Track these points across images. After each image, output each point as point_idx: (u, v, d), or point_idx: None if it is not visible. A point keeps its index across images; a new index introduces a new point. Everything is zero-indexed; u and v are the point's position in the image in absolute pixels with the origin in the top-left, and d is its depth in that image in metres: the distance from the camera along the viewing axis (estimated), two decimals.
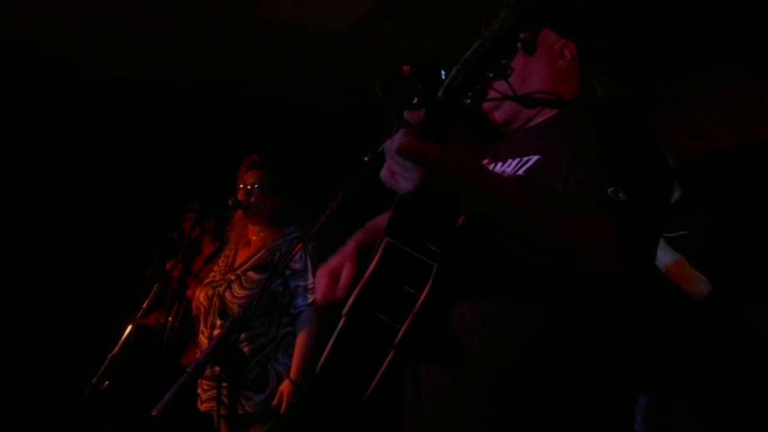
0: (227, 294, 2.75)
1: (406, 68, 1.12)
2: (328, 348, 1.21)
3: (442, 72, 1.00)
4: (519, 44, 0.95)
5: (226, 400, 2.58)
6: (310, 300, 2.72)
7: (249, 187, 2.92)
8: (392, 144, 0.94)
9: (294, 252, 2.06)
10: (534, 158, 1.29)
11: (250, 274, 2.77)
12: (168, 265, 3.23)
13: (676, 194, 2.72)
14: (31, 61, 4.00)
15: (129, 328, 2.79)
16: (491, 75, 0.95)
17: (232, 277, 2.79)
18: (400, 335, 1.13)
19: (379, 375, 1.16)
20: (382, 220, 1.48)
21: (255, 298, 2.32)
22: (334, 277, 1.36)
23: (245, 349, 2.63)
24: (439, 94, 0.97)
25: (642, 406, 2.55)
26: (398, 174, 0.95)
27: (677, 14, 3.53)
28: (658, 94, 4.33)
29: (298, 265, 2.74)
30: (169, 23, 3.65)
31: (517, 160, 1.33)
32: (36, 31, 3.71)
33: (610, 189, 1.10)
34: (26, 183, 4.22)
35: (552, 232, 1.02)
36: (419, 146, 0.92)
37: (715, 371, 2.54)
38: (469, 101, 0.97)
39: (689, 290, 2.52)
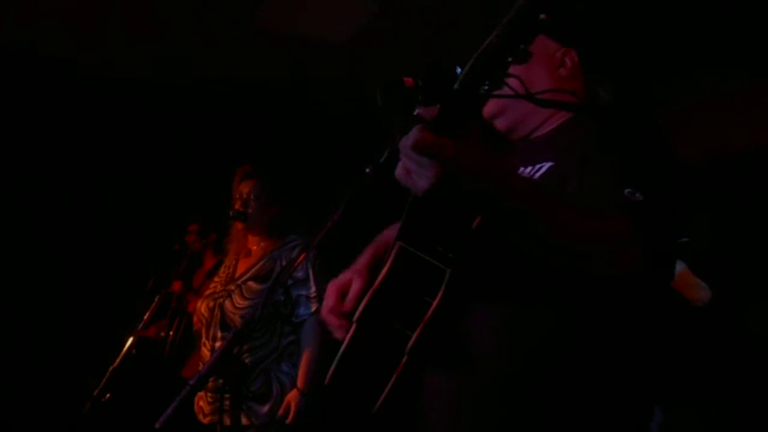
0: (227, 304, 2.73)
1: (407, 80, 1.12)
2: (337, 356, 1.19)
3: (458, 69, 0.98)
4: (537, 29, 0.93)
5: (228, 412, 2.57)
6: (313, 309, 2.70)
7: (245, 197, 2.90)
8: (407, 141, 0.92)
9: (297, 263, 2.04)
10: (547, 165, 1.28)
11: (251, 284, 2.76)
12: (175, 287, 3.20)
13: None
14: (31, 63, 4.00)
15: (130, 340, 2.78)
16: (510, 60, 0.94)
17: (233, 288, 2.78)
18: (411, 342, 1.11)
19: (390, 383, 1.14)
20: (391, 233, 1.47)
21: (258, 309, 2.31)
22: (343, 292, 1.33)
23: (247, 360, 2.61)
24: (455, 86, 0.95)
25: (659, 418, 2.53)
26: (414, 172, 0.93)
27: (676, 15, 3.52)
28: (658, 96, 4.31)
29: (300, 274, 2.73)
30: (170, 28, 3.65)
31: (530, 168, 1.32)
32: (36, 32, 3.70)
33: (626, 190, 1.09)
34: (24, 188, 4.21)
35: (570, 232, 1.00)
36: (435, 141, 0.90)
37: (717, 377, 2.52)
38: (486, 88, 0.95)
39: (690, 297, 2.51)
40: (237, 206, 2.89)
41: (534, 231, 1.00)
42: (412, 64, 1.07)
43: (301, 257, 1.54)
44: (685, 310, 2.52)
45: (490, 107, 1.45)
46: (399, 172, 0.96)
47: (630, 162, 1.16)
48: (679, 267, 2.52)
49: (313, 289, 2.71)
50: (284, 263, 2.77)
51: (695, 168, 3.40)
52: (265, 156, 3.15)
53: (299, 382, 2.61)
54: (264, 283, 2.74)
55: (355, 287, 1.30)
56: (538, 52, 1.42)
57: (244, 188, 2.93)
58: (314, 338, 2.67)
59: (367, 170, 1.30)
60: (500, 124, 1.47)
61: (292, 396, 2.60)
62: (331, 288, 1.35)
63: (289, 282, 2.71)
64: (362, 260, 1.39)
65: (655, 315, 1.26)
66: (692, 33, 3.68)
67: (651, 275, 1.09)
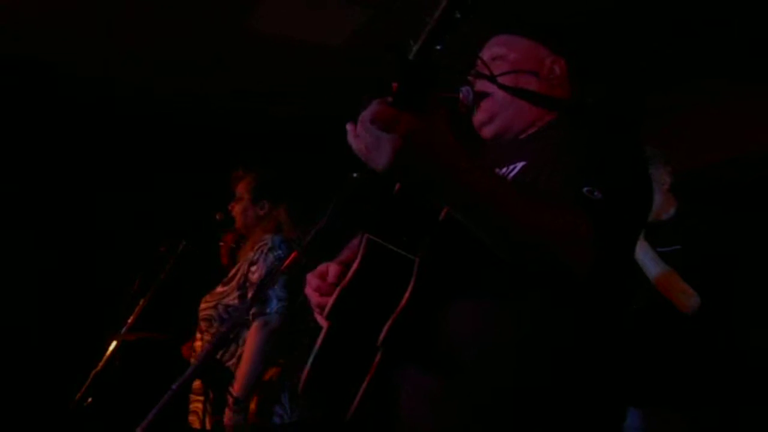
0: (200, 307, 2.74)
1: (395, 85, 1.11)
2: (311, 357, 1.17)
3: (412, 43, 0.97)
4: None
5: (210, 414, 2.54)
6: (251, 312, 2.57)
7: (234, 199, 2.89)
8: (366, 114, 0.91)
9: (278, 272, 1.99)
10: (520, 164, 1.30)
11: (217, 286, 2.74)
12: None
13: (672, 210, 2.71)
14: (27, 66, 3.97)
15: (114, 343, 2.76)
16: (459, 16, 0.90)
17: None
18: (383, 333, 1.10)
19: (365, 383, 1.12)
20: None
21: (242, 315, 2.28)
22: (322, 276, 1.32)
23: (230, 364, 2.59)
24: (410, 57, 0.93)
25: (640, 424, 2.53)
26: (373, 147, 0.92)
27: (673, 24, 3.55)
28: (652, 107, 4.34)
29: (254, 276, 2.63)
30: (163, 31, 3.64)
31: (504, 169, 1.33)
32: (29, 36, 3.69)
33: (585, 188, 1.10)
34: (10, 190, 4.18)
35: (526, 223, 1.00)
36: (394, 113, 0.90)
37: (705, 385, 2.52)
38: (439, 48, 0.92)
39: (678, 303, 2.51)
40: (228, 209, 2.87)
41: (488, 219, 1.00)
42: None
43: (286, 263, 1.51)
44: (673, 316, 2.52)
45: (479, 116, 1.46)
46: (358, 146, 0.95)
47: (594, 161, 1.17)
48: (662, 268, 2.51)
49: (257, 275, 2.59)
50: (245, 266, 2.69)
51: (692, 174, 3.41)
52: (256, 158, 3.11)
53: (235, 389, 2.49)
54: (226, 285, 2.72)
55: (334, 269, 1.29)
56: (528, 57, 1.45)
57: (236, 192, 2.92)
58: (252, 344, 2.52)
59: (355, 175, 1.30)
60: (489, 131, 1.47)
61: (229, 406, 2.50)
62: (311, 275, 1.33)
63: (247, 284, 2.64)
64: (337, 259, 1.39)
65: (622, 313, 1.28)
66: (689, 40, 3.72)
67: (602, 274, 1.09)
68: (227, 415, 2.47)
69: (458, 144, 0.97)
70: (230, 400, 2.44)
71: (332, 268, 1.30)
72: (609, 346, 1.24)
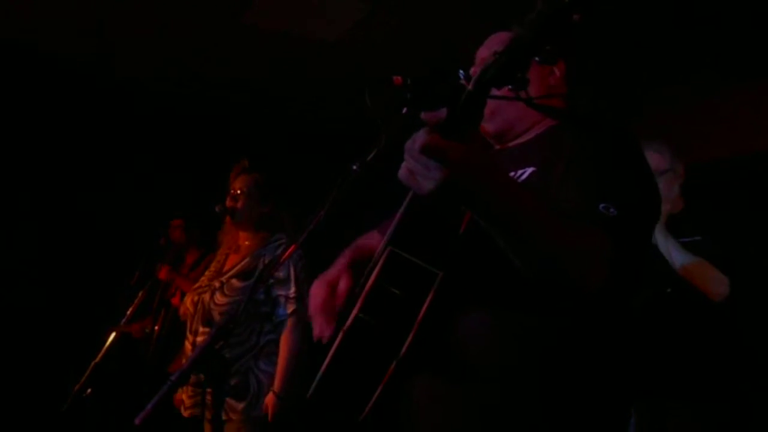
0: (210, 301, 2.73)
1: (396, 78, 1.11)
2: (326, 362, 1.16)
3: (460, 72, 0.96)
4: (569, 29, 0.87)
5: (209, 407, 2.57)
6: (290, 310, 2.69)
7: (236, 192, 2.90)
8: (414, 143, 0.92)
9: (281, 260, 2.00)
10: (529, 170, 1.30)
11: (233, 281, 2.75)
12: (162, 274, 3.17)
13: (682, 205, 2.71)
14: (25, 59, 3.97)
15: (112, 335, 2.77)
16: (537, 60, 0.90)
17: (217, 284, 2.78)
18: (405, 347, 1.10)
19: (379, 390, 1.12)
20: (369, 239, 1.49)
21: (241, 306, 2.29)
22: (332, 287, 1.32)
23: (227, 357, 2.60)
24: (470, 88, 0.93)
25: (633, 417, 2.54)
26: (419, 173, 0.93)
27: (668, 21, 3.55)
28: (657, 101, 4.34)
29: (281, 274, 2.71)
30: (160, 25, 3.63)
31: (512, 173, 1.33)
32: (31, 28, 3.69)
33: (601, 205, 1.11)
34: (6, 182, 4.17)
35: (551, 242, 1.02)
36: (443, 144, 0.90)
37: (714, 378, 2.53)
38: (512, 87, 0.92)
39: (707, 291, 2.47)
40: (227, 201, 2.89)
41: (518, 237, 1.02)
42: (403, 62, 1.06)
43: (287, 254, 1.51)
44: (683, 309, 2.52)
45: None
46: (402, 173, 0.95)
47: (606, 175, 1.19)
48: (692, 258, 2.48)
49: (293, 289, 2.70)
50: (267, 261, 2.74)
51: (698, 171, 3.42)
52: (261, 154, 3.13)
53: (275, 385, 2.60)
54: (245, 280, 2.73)
55: (343, 285, 1.30)
56: None
57: (238, 183, 2.94)
58: (292, 340, 2.67)
59: (354, 168, 1.30)
60: (489, 127, 1.46)
61: (269, 399, 2.60)
62: (320, 284, 1.34)
63: (270, 281, 2.69)
64: (343, 261, 1.39)
65: (632, 321, 1.30)
66: (685, 39, 3.72)
67: (616, 288, 1.11)
68: (270, 413, 2.58)
69: (497, 166, 0.99)
70: (273, 397, 2.58)
71: (342, 283, 1.30)
72: (619, 354, 1.26)
